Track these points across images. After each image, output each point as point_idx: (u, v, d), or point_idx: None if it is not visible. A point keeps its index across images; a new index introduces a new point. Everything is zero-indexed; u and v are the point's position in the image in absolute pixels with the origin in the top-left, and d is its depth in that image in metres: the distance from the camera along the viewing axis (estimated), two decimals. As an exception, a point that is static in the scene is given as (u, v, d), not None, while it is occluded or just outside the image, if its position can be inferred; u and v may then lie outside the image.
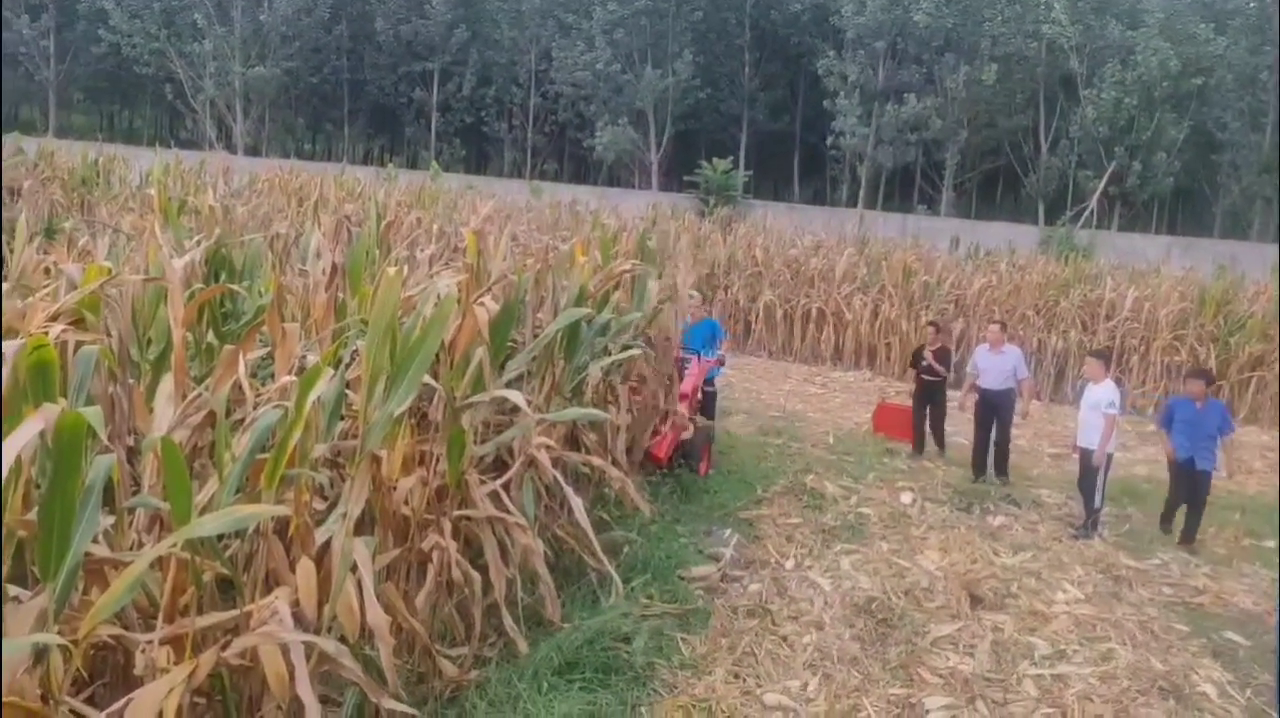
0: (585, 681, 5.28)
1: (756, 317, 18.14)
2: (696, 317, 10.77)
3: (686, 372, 9.96)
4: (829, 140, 41.09)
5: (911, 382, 12.00)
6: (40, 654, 2.94)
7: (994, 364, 10.56)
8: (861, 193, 41.03)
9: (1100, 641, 6.68)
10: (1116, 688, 5.96)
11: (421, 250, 6.18)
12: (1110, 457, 9.15)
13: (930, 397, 11.48)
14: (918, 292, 17.50)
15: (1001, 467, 10.63)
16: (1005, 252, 22.61)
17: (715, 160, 36.72)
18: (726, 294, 18.40)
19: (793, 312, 18.00)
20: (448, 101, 48.08)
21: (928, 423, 11.54)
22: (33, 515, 3.16)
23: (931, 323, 12.12)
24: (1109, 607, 7.30)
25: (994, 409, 10.58)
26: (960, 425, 11.65)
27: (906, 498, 9.45)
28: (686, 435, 9.21)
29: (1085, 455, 9.18)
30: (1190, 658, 6.57)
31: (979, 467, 10.66)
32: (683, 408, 9.22)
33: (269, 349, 5.02)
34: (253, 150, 45.61)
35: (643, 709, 5.17)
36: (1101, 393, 9.11)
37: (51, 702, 2.92)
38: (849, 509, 8.93)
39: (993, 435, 10.63)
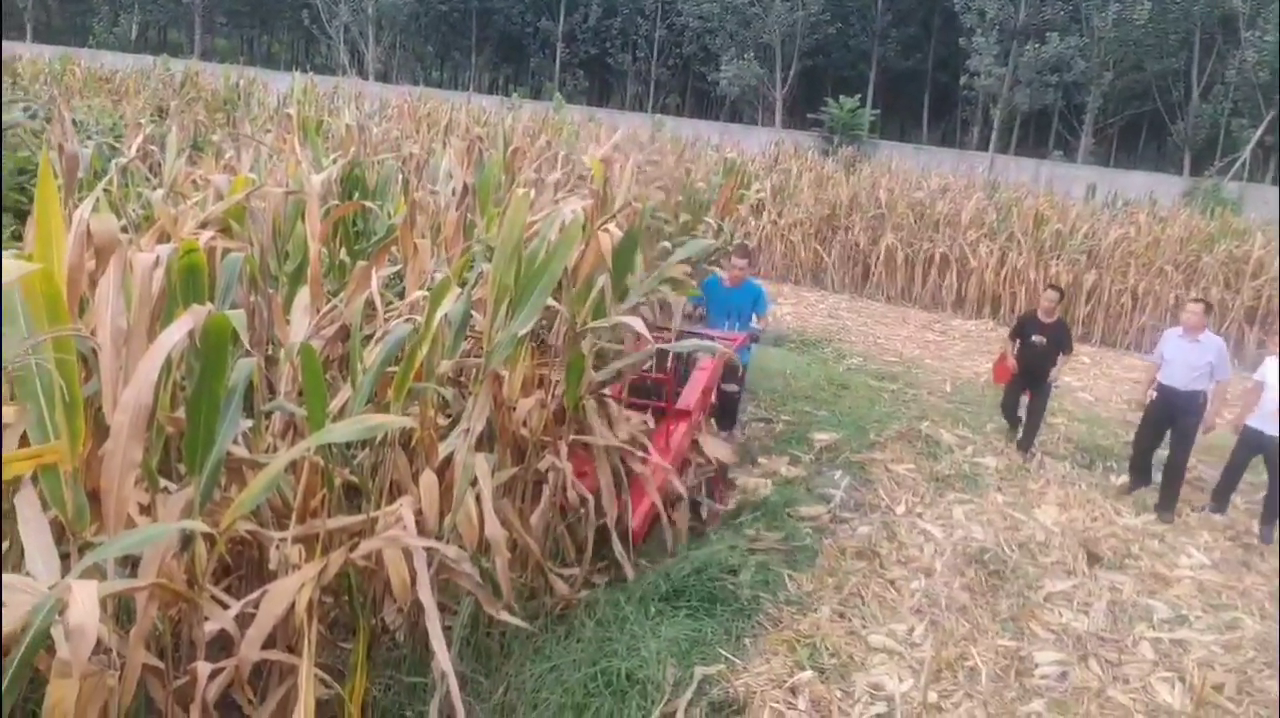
0: (691, 609, 5.35)
1: (877, 260, 17.74)
2: (735, 278, 8.16)
3: (696, 368, 7.05)
4: (962, 80, 39.45)
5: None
6: (186, 543, 3.12)
7: (1185, 355, 7.96)
8: (994, 136, 39.36)
9: (1226, 609, 6.43)
10: (1240, 658, 5.74)
11: (548, 174, 6.19)
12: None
13: (1033, 380, 9.07)
14: (1049, 240, 16.84)
15: (1169, 497, 8.03)
16: (1145, 202, 21.50)
17: (842, 98, 35.72)
18: (847, 235, 18.04)
19: (915, 256, 17.53)
20: (573, 32, 47.89)
21: (1023, 413, 9.28)
22: (179, 413, 3.35)
23: (1053, 286, 9.78)
24: (1237, 575, 7.01)
25: (1172, 414, 8.07)
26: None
27: (1026, 451, 9.19)
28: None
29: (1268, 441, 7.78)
30: (1323, 633, 6.27)
31: (1142, 477, 8.33)
32: (679, 429, 6.26)
33: (398, 268, 5.15)
34: (382, 77, 46.44)
35: (746, 641, 5.22)
36: None
37: (196, 587, 3.11)
38: (964, 459, 8.74)
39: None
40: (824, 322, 14.96)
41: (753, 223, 18.07)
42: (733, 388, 7.87)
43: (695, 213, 8.79)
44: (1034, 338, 8.94)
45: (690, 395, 6.54)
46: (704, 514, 6.76)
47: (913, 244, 17.60)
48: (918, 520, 7.27)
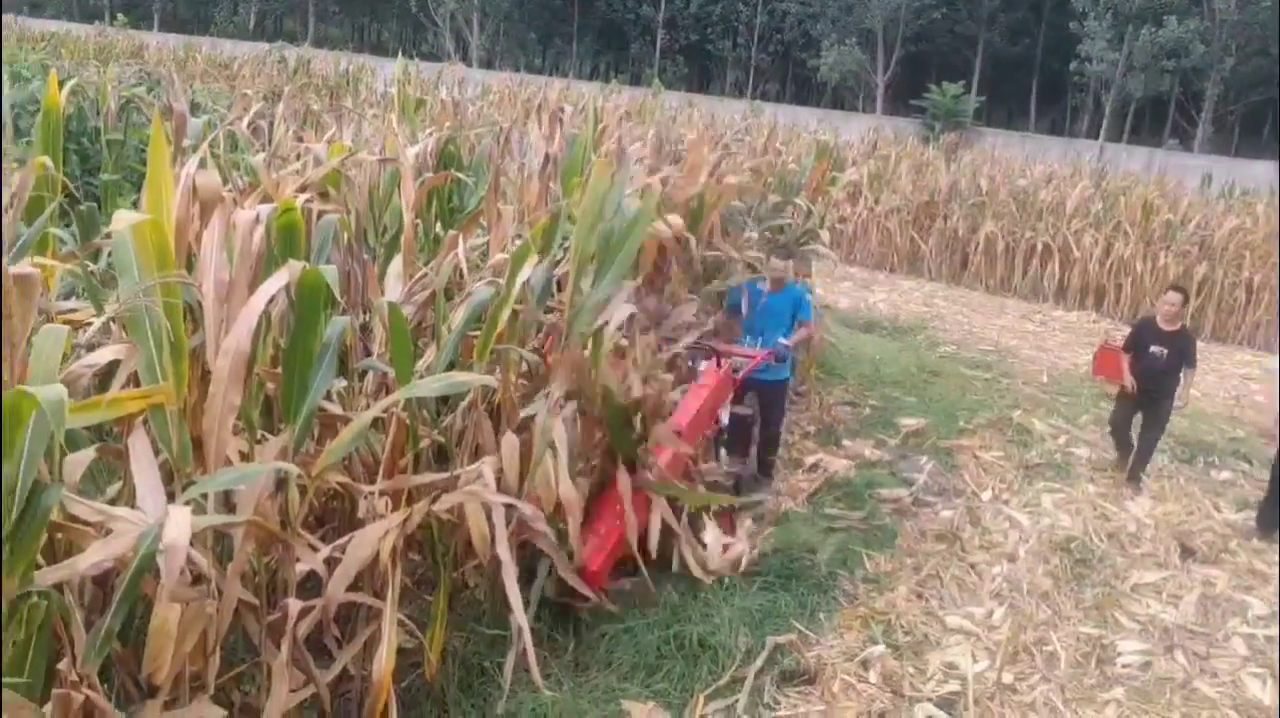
0: (767, 582, 5.42)
1: (976, 248, 17.36)
2: (776, 282, 6.76)
3: (698, 378, 5.92)
4: (1072, 66, 38.15)
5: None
6: (280, 486, 3.31)
7: None
8: (1104, 123, 38.01)
9: (1327, 608, 6.20)
10: (1340, 657, 5.54)
11: (629, 145, 6.26)
12: None
13: (1151, 400, 7.65)
14: (1158, 230, 16.22)
15: None
16: (1265, 192, 20.53)
17: (945, 84, 34.94)
18: (946, 223, 17.71)
19: (1015, 245, 17.11)
20: (674, 18, 47.93)
21: (1137, 439, 7.91)
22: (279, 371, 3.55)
23: (1176, 287, 8.03)
24: (1342, 574, 6.73)
25: None
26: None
27: (1122, 443, 8.95)
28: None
29: None
30: None
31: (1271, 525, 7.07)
32: (664, 460, 5.07)
33: (488, 239, 5.31)
34: (486, 64, 47.23)
35: (821, 615, 5.26)
36: None
37: (288, 528, 3.30)
38: (1057, 449, 8.55)
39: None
40: (918, 309, 14.73)
41: (849, 209, 17.86)
42: (745, 411, 6.59)
43: (786, 194, 8.79)
44: (1152, 349, 7.58)
45: (684, 413, 5.45)
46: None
47: (1014, 233, 17.16)
48: (1003, 507, 7.17)
